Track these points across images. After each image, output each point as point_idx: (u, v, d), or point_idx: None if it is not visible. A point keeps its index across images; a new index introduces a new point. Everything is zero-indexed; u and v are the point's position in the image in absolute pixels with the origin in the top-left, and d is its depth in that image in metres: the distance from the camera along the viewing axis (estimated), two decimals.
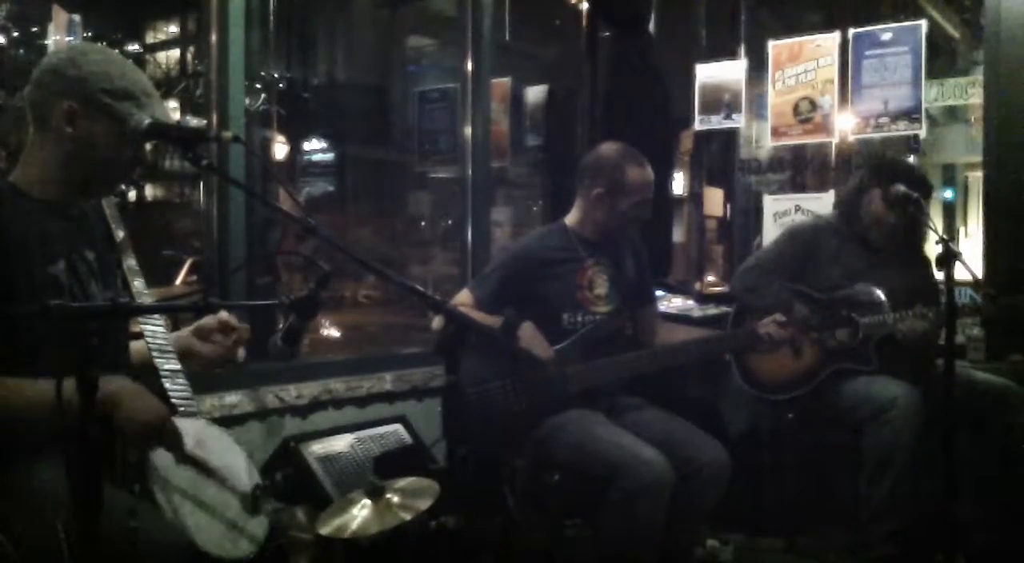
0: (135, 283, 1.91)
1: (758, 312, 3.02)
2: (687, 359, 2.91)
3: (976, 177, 9.71)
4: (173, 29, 16.09)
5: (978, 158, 4.01)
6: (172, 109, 11.18)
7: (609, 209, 2.84)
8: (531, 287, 2.80)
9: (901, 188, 2.88)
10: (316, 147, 13.89)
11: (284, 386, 3.01)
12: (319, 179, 14.01)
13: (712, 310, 3.86)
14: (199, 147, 1.74)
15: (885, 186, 3.06)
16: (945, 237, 2.47)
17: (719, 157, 6.48)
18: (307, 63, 13.39)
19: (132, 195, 13.28)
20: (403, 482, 2.07)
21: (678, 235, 6.68)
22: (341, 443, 2.90)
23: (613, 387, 2.84)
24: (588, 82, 4.58)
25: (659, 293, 3.45)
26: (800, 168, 5.68)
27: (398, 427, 3.12)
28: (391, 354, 3.97)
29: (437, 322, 2.66)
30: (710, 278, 6.84)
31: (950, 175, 12.29)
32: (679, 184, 6.91)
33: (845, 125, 4.04)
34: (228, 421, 2.73)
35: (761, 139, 5.14)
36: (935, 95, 6.02)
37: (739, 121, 4.38)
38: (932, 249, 2.60)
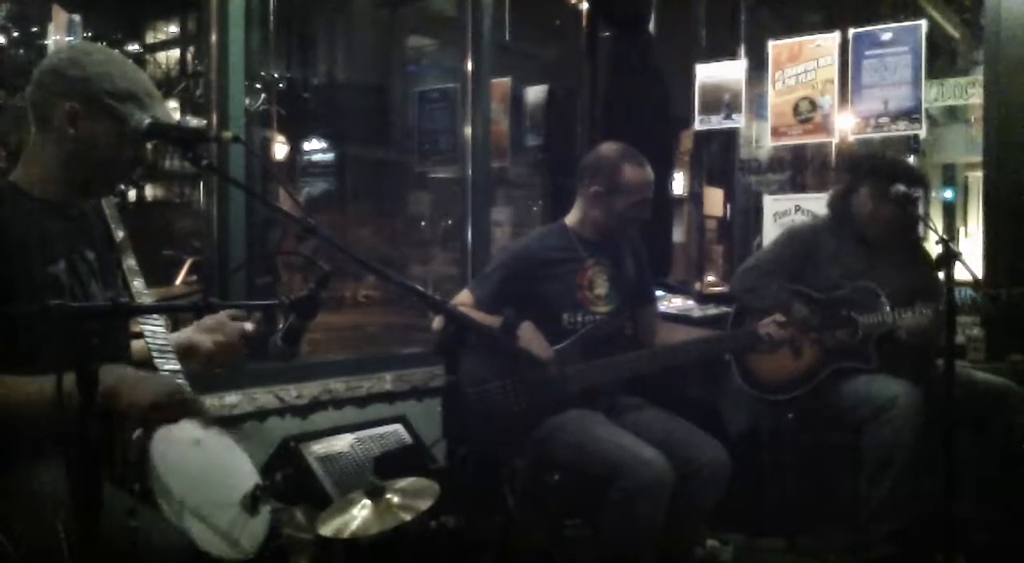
0: (135, 283, 1.91)
1: (758, 312, 3.02)
2: (687, 359, 2.90)
3: (976, 177, 9.71)
4: (173, 29, 16.10)
5: (978, 158, 4.02)
6: (172, 109, 11.18)
7: (607, 208, 2.84)
8: (531, 287, 2.80)
9: (901, 188, 2.88)
10: (316, 147, 13.90)
11: (284, 386, 3.01)
12: (319, 179, 14.01)
13: (712, 310, 3.86)
14: (199, 147, 1.74)
15: (872, 184, 3.09)
16: (945, 237, 2.47)
17: (719, 157, 6.48)
18: (307, 63, 13.40)
19: (132, 195, 13.29)
20: (403, 482, 2.07)
21: (678, 235, 6.68)
22: (341, 443, 2.90)
23: (613, 387, 2.84)
24: (588, 82, 4.58)
25: (659, 293, 3.45)
26: (800, 168, 5.69)
27: (398, 427, 3.12)
28: (391, 354, 3.98)
29: (437, 322, 2.66)
30: (710, 278, 6.84)
31: (950, 175, 12.30)
32: (679, 184, 6.91)
33: (845, 125, 4.04)
34: (228, 421, 2.72)
35: (761, 139, 5.15)
36: (935, 95, 6.03)
37: (739, 121, 4.39)
38: (932, 248, 2.61)
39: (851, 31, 3.94)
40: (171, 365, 1.84)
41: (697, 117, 4.45)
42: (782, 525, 3.35)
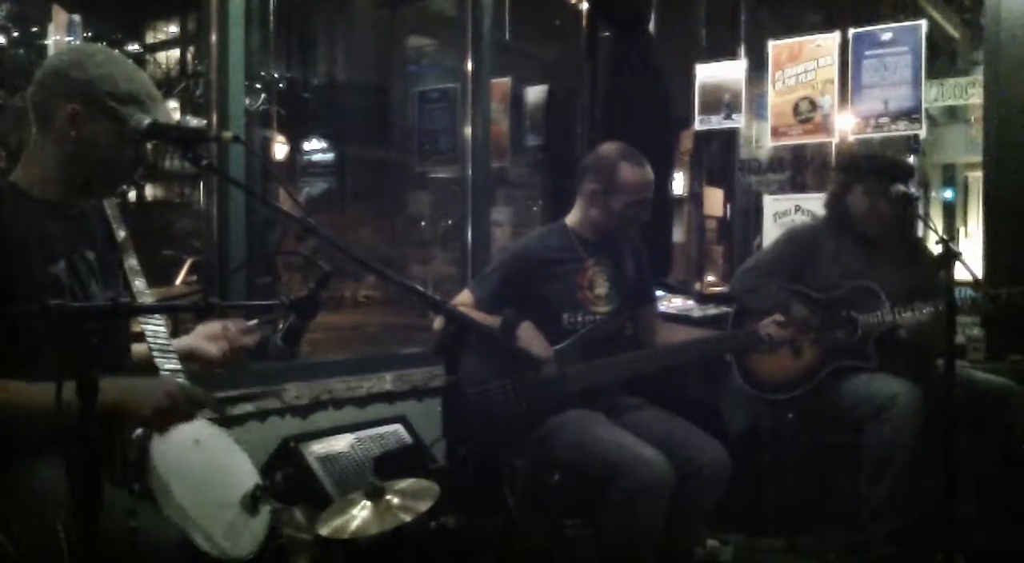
0: (136, 283, 1.91)
1: (758, 313, 3.02)
2: (687, 359, 2.90)
3: (976, 177, 9.72)
4: (173, 29, 16.11)
5: (978, 158, 4.02)
6: (172, 109, 11.18)
7: (605, 208, 2.83)
8: (531, 287, 2.80)
9: (900, 187, 2.88)
10: (316, 147, 13.91)
11: (284, 386, 3.01)
12: (319, 179, 14.02)
13: (712, 310, 3.86)
14: (199, 147, 1.74)
15: (865, 182, 3.10)
16: (945, 237, 2.47)
17: (719, 157, 6.49)
18: (307, 63, 13.41)
19: (132, 195, 13.29)
20: (403, 483, 2.07)
21: (678, 235, 6.68)
22: (341, 443, 2.90)
23: (613, 387, 2.83)
24: (588, 82, 4.58)
25: (659, 293, 3.45)
26: (800, 168, 5.69)
27: (398, 427, 3.12)
28: (391, 354, 3.97)
29: (438, 322, 2.66)
30: (710, 278, 6.84)
31: (950, 175, 12.31)
32: (679, 184, 6.91)
33: (845, 125, 4.04)
34: (228, 421, 2.72)
35: (761, 139, 5.15)
36: (935, 95, 6.03)
37: (739, 121, 4.39)
38: (932, 247, 2.61)
39: (851, 31, 3.94)
40: (172, 364, 1.84)
41: (697, 117, 4.45)
42: (782, 525, 3.35)
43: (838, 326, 3.01)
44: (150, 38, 15.73)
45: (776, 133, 4.17)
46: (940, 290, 2.59)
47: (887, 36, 3.85)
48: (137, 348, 1.91)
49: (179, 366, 1.85)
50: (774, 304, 3.03)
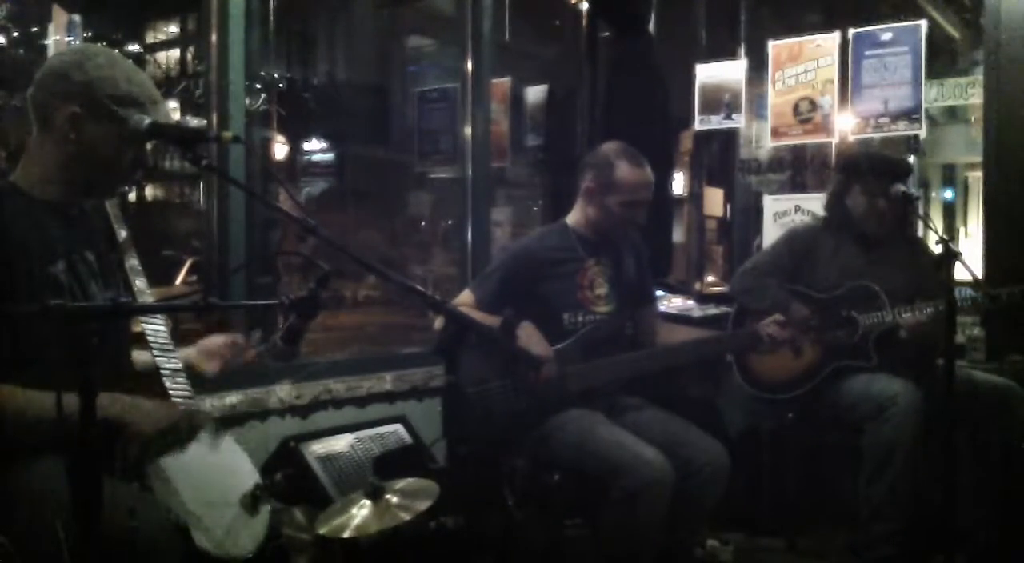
0: (137, 283, 1.91)
1: (758, 313, 3.03)
2: (687, 359, 2.91)
3: (976, 177, 9.71)
4: (173, 29, 16.10)
5: (978, 158, 4.01)
6: (172, 109, 11.18)
7: (601, 205, 2.83)
8: (532, 287, 2.80)
9: (900, 187, 2.88)
10: (316, 147, 13.89)
11: (284, 386, 3.01)
12: (319, 179, 14.01)
13: (712, 310, 3.86)
14: (199, 147, 1.74)
15: (863, 182, 3.11)
16: (945, 237, 2.47)
17: (719, 157, 6.48)
18: (307, 63, 13.40)
19: (132, 195, 13.29)
20: (403, 483, 2.08)
21: (678, 235, 6.67)
22: (341, 443, 2.90)
23: (613, 387, 2.83)
24: (588, 82, 4.58)
25: (659, 293, 3.45)
26: (800, 168, 5.68)
27: (398, 427, 3.12)
28: (391, 354, 3.97)
29: (438, 322, 2.66)
30: (710, 278, 6.83)
31: (950, 175, 12.30)
32: (679, 184, 6.90)
33: (845, 125, 4.04)
34: (228, 421, 2.72)
35: (761, 139, 5.14)
36: (935, 95, 6.03)
37: (739, 121, 4.39)
38: (932, 247, 2.61)
39: (851, 31, 3.94)
40: (172, 364, 1.84)
41: (697, 117, 4.45)
42: (782, 525, 3.35)
43: (838, 326, 3.01)
44: (150, 38, 15.72)
45: (776, 133, 4.17)
46: (940, 290, 2.59)
47: (887, 36, 3.85)
48: (141, 359, 1.92)
49: (180, 365, 1.86)
50: (773, 305, 3.03)
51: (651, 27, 4.62)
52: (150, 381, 1.81)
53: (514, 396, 2.68)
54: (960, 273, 2.47)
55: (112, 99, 1.75)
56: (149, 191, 14.47)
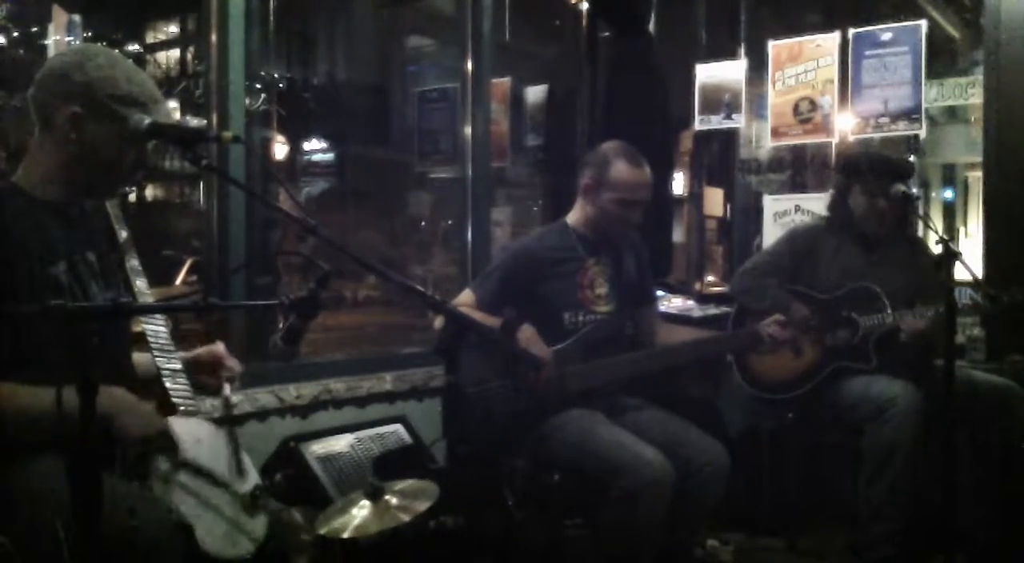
0: (137, 283, 1.91)
1: (758, 313, 3.03)
2: (687, 359, 2.91)
3: (976, 177, 9.71)
4: (173, 29, 16.09)
5: (978, 158, 4.01)
6: (172, 109, 11.16)
7: (596, 202, 2.83)
8: (532, 287, 2.80)
9: (900, 187, 2.88)
10: (316, 147, 13.89)
11: (284, 386, 3.01)
12: (319, 179, 14.00)
13: (712, 310, 3.87)
14: (199, 147, 1.74)
15: (863, 182, 3.11)
16: (945, 237, 2.47)
17: (719, 157, 6.47)
18: (307, 63, 13.39)
19: (132, 195, 13.28)
20: (402, 483, 2.08)
21: (678, 235, 6.67)
22: (341, 443, 2.90)
23: (613, 387, 2.83)
24: (588, 82, 4.58)
25: (659, 293, 3.45)
26: (800, 168, 5.68)
27: (398, 427, 3.12)
28: (391, 354, 3.97)
29: (439, 322, 2.66)
30: (710, 278, 6.83)
31: (950, 175, 12.29)
32: (679, 184, 6.90)
33: (845, 125, 4.04)
34: (228, 421, 2.72)
35: (761, 139, 5.14)
36: (935, 95, 6.03)
37: (739, 121, 4.39)
38: (932, 247, 2.61)
39: (851, 31, 3.94)
40: (172, 364, 1.84)
41: (697, 117, 4.45)
42: (782, 525, 3.36)
43: (838, 327, 3.01)
44: (150, 38, 15.71)
45: (776, 133, 4.17)
46: (940, 291, 2.59)
47: (887, 36, 3.85)
48: (141, 360, 1.92)
49: (179, 365, 1.86)
50: (773, 305, 3.03)
51: (651, 27, 4.63)
52: (150, 383, 1.81)
53: (514, 396, 2.68)
54: (960, 273, 2.47)
55: (113, 99, 1.75)
56: (149, 191, 14.47)
